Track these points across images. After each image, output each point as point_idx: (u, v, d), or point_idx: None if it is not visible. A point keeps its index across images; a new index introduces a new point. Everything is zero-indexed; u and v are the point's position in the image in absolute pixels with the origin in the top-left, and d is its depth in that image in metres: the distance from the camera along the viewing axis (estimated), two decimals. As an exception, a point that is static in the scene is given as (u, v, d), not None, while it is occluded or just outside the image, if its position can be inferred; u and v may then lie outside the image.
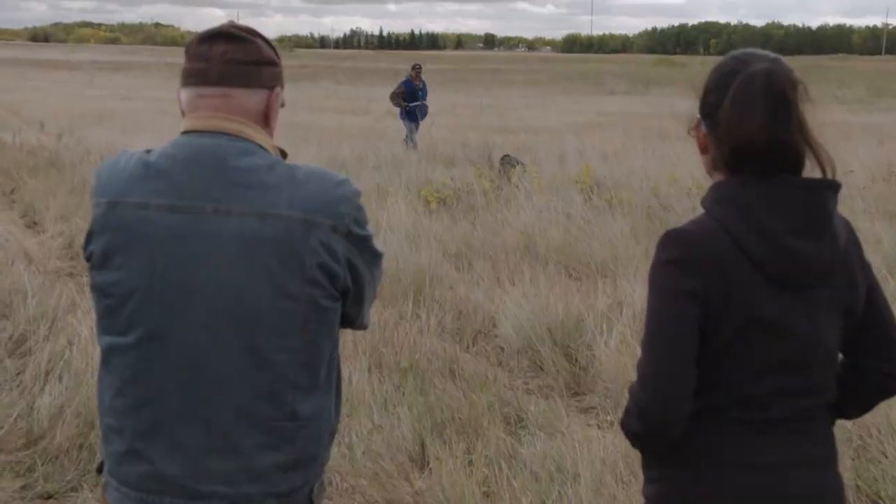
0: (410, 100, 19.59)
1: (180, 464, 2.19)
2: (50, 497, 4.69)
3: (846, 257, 2.21)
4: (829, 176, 2.18)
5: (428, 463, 4.86)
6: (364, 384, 5.82)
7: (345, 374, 5.79)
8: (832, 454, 2.29)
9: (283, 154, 2.36)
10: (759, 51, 2.25)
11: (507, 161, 16.11)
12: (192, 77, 2.29)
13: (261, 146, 2.25)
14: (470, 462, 4.78)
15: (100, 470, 2.37)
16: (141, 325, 2.17)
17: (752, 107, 2.13)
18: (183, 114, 2.33)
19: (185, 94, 2.31)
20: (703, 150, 2.29)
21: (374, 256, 2.34)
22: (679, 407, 2.12)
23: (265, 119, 2.31)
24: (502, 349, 7.06)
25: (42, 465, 4.92)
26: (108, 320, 2.23)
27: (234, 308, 2.14)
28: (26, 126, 21.45)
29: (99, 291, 2.23)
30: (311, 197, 2.17)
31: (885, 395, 2.37)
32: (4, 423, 5.31)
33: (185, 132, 2.26)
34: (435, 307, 7.72)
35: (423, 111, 19.85)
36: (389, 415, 5.50)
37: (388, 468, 4.72)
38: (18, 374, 6.04)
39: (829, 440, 2.29)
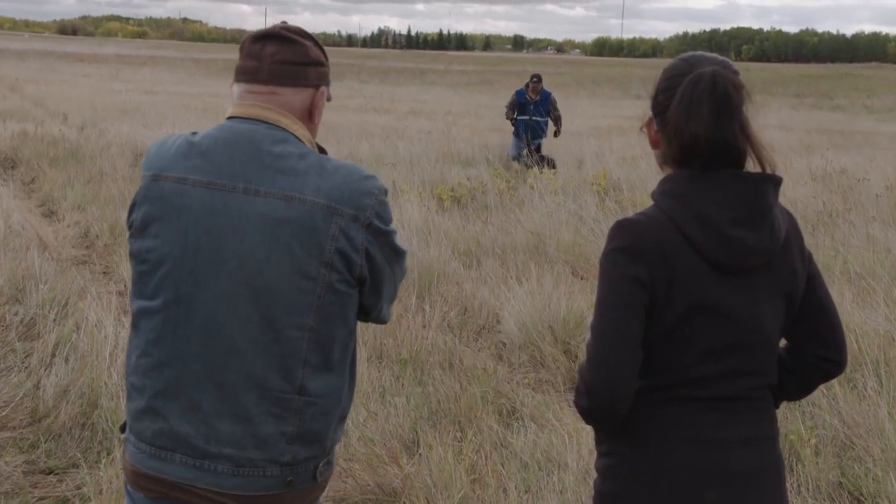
0: (519, 112, 16.80)
1: (193, 424, 2.35)
2: (51, 472, 4.83)
3: (786, 246, 2.33)
4: (769, 171, 2.31)
5: (419, 449, 4.97)
6: (363, 373, 5.94)
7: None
8: (773, 433, 2.40)
9: (322, 151, 2.52)
10: (707, 54, 2.39)
11: (539, 160, 15.89)
12: (244, 74, 2.47)
13: (297, 137, 2.42)
14: (460, 450, 4.89)
15: (123, 429, 2.54)
16: (169, 290, 2.34)
17: (698, 107, 2.26)
18: None
19: (237, 88, 2.49)
20: (654, 145, 2.43)
21: (396, 253, 2.47)
22: (624, 386, 2.23)
23: (309, 115, 2.50)
24: (504, 344, 7.17)
25: (45, 441, 5.08)
26: (140, 285, 2.41)
27: (254, 282, 2.30)
28: (50, 118, 21.67)
29: (135, 258, 2.42)
30: (337, 187, 2.33)
31: (824, 378, 2.49)
32: (11, 402, 5.47)
33: (229, 118, 2.45)
34: (440, 302, 7.83)
35: (533, 129, 16.72)
36: (386, 404, 5.62)
37: (380, 453, 4.83)
38: (27, 356, 6.21)
39: (771, 420, 2.40)
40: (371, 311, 2.51)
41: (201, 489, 2.35)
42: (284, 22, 2.55)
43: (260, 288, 2.30)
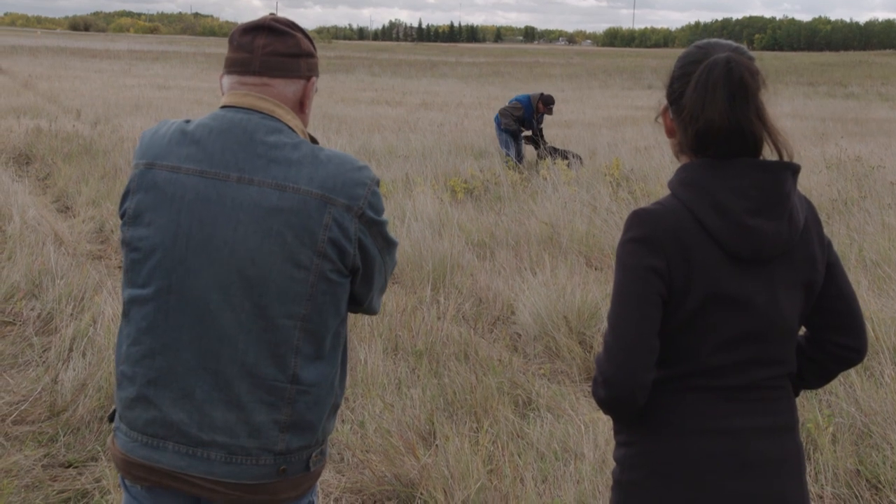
0: (521, 124, 15.98)
1: (186, 411, 2.36)
2: (70, 466, 4.87)
3: (805, 235, 2.32)
4: (787, 159, 2.29)
5: (436, 440, 4.98)
6: (379, 366, 5.95)
7: (360, 355, 5.98)
8: (792, 422, 2.39)
9: (314, 140, 2.53)
10: (721, 40, 2.38)
11: (556, 152, 15.57)
12: (235, 66, 2.48)
13: (290, 127, 2.43)
14: (476, 440, 4.90)
15: (111, 418, 2.56)
16: (161, 278, 2.35)
17: (714, 93, 2.25)
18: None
19: (227, 80, 2.50)
20: (670, 133, 2.42)
21: (388, 243, 2.50)
22: (642, 376, 2.23)
23: (300, 106, 2.51)
24: (519, 335, 7.17)
25: (64, 435, 5.11)
26: (132, 273, 2.41)
27: (246, 271, 2.31)
28: (63, 114, 21.73)
29: (127, 246, 2.42)
30: (330, 176, 2.34)
31: (844, 367, 2.47)
32: (30, 396, 5.50)
33: (222, 107, 2.46)
34: (454, 294, 7.84)
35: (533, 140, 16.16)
36: (402, 396, 5.63)
37: (398, 444, 4.84)
38: (45, 350, 6.25)
39: (790, 409, 2.39)
40: (362, 302, 2.53)
41: (195, 477, 2.36)
42: (273, 14, 2.56)
43: (252, 277, 2.30)
